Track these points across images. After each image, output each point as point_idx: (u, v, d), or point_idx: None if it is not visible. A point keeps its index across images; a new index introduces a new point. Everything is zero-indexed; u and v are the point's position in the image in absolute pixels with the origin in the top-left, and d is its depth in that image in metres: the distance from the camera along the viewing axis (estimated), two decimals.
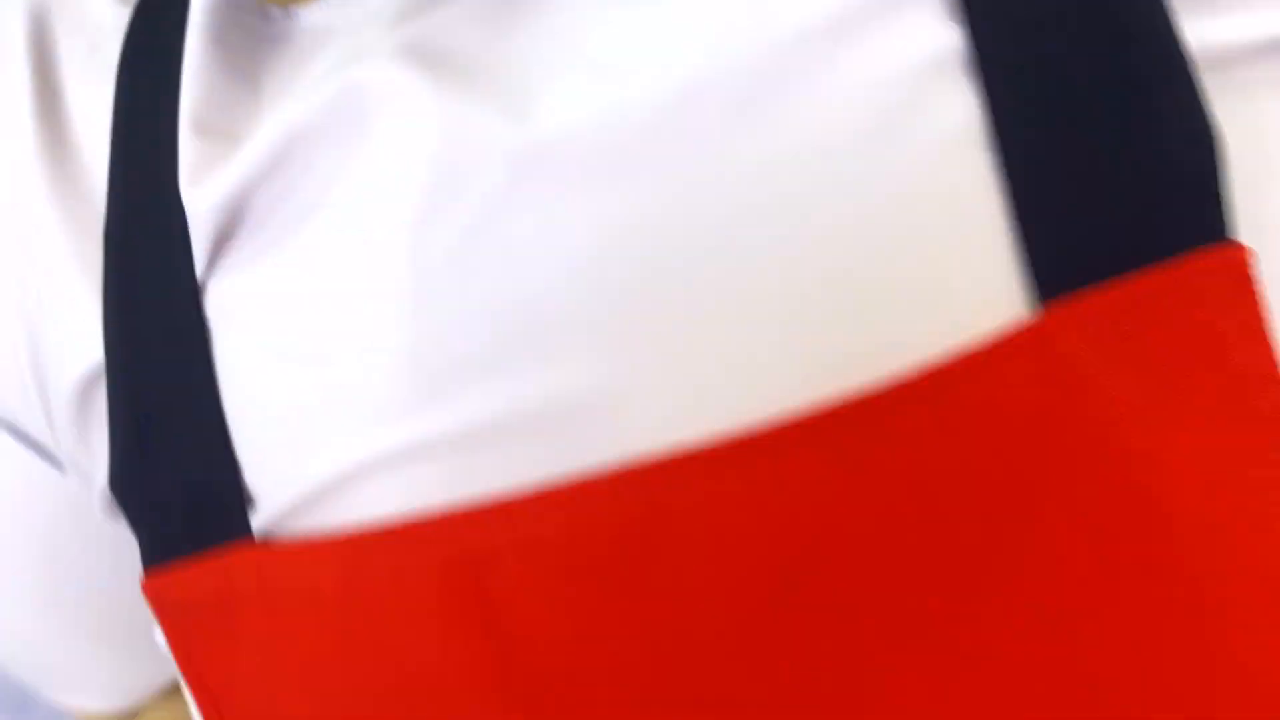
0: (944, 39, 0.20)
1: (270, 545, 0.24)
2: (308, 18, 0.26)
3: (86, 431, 0.27)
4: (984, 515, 0.19)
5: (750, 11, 0.21)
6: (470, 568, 0.22)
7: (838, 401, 0.19)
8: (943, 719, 0.19)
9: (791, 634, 0.20)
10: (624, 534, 0.21)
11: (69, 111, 0.28)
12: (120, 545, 0.29)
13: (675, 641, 0.21)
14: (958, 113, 0.20)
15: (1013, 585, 0.19)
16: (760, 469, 0.20)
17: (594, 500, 0.21)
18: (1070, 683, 0.19)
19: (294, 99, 0.24)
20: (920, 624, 0.19)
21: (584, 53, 0.22)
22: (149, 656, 0.34)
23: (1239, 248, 0.19)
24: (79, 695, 0.39)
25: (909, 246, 0.20)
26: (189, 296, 0.24)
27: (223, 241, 0.25)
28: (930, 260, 0.20)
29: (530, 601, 0.21)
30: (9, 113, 0.28)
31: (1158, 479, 0.19)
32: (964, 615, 0.19)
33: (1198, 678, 0.19)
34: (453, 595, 0.22)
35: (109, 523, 0.29)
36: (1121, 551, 0.19)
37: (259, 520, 0.24)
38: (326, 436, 0.23)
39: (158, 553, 0.26)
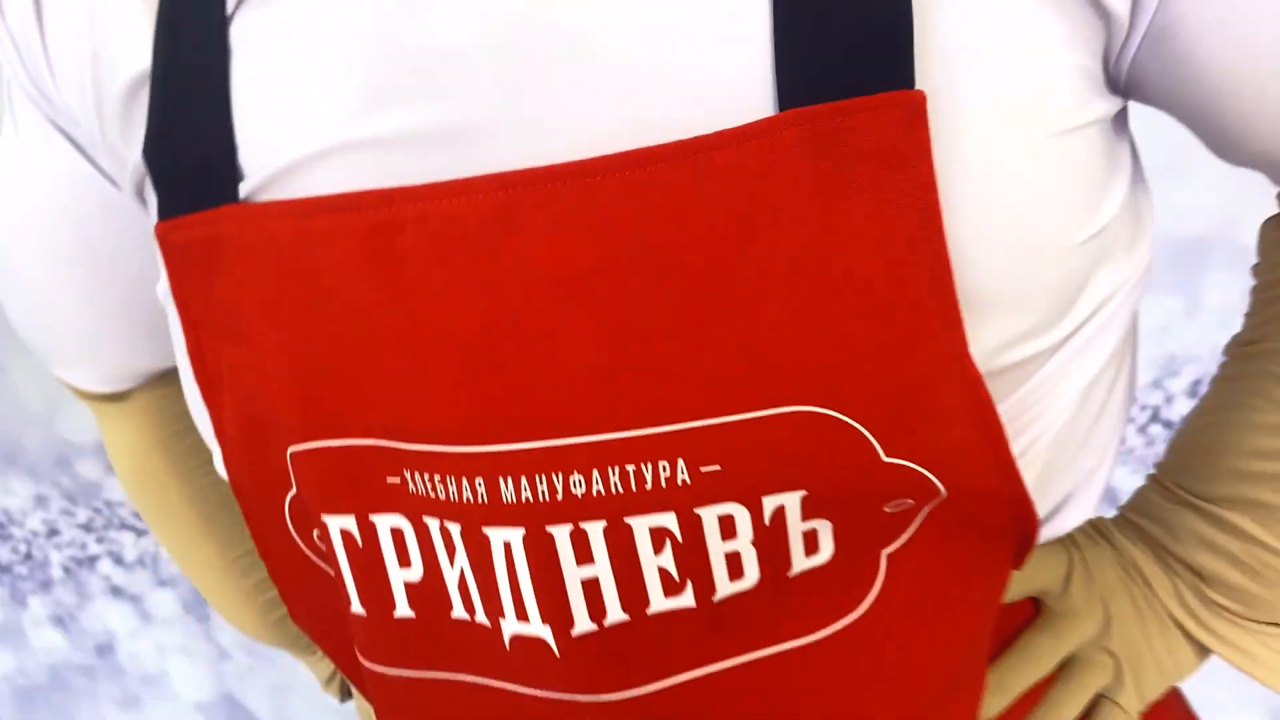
0: None
1: (249, 205, 0.34)
2: None
3: (128, 124, 0.36)
4: (721, 237, 0.29)
5: None
6: (385, 231, 0.31)
7: (635, 150, 0.29)
8: (696, 358, 0.29)
9: (600, 302, 0.29)
10: (491, 216, 0.30)
11: None
12: (141, 247, 0.41)
13: (519, 299, 0.30)
14: None
15: (736, 277, 0.29)
16: (584, 183, 0.29)
17: (473, 192, 0.30)
18: (753, 336, 0.29)
19: None
20: (678, 299, 0.29)
21: None
22: (146, 351, 0.47)
23: (919, 93, 0.28)
24: (79, 372, 0.49)
25: (705, 50, 0.29)
26: (220, 24, 0.34)
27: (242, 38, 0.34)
28: (719, 61, 0.29)
29: (423, 259, 0.31)
30: None
31: (825, 235, 0.28)
32: (706, 294, 0.29)
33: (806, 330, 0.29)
34: (371, 249, 0.31)
35: (135, 216, 0.41)
36: (795, 270, 0.28)
37: (245, 189, 0.34)
38: (297, 129, 0.33)
39: (170, 207, 0.35)
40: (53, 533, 1.28)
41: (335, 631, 0.41)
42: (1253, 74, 0.31)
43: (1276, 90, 0.31)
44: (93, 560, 1.29)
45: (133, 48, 0.35)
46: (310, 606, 0.42)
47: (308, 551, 0.38)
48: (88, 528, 1.27)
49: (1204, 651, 0.40)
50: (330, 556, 0.36)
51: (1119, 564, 0.41)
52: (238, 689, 1.33)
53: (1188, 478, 0.40)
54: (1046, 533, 0.36)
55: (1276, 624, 0.39)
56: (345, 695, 0.60)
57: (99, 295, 0.45)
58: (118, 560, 1.28)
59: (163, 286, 0.38)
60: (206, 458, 0.46)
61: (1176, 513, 0.40)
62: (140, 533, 1.26)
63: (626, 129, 0.29)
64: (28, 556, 1.30)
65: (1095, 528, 0.42)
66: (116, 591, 1.30)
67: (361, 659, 0.38)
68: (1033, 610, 0.41)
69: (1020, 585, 0.39)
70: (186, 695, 1.34)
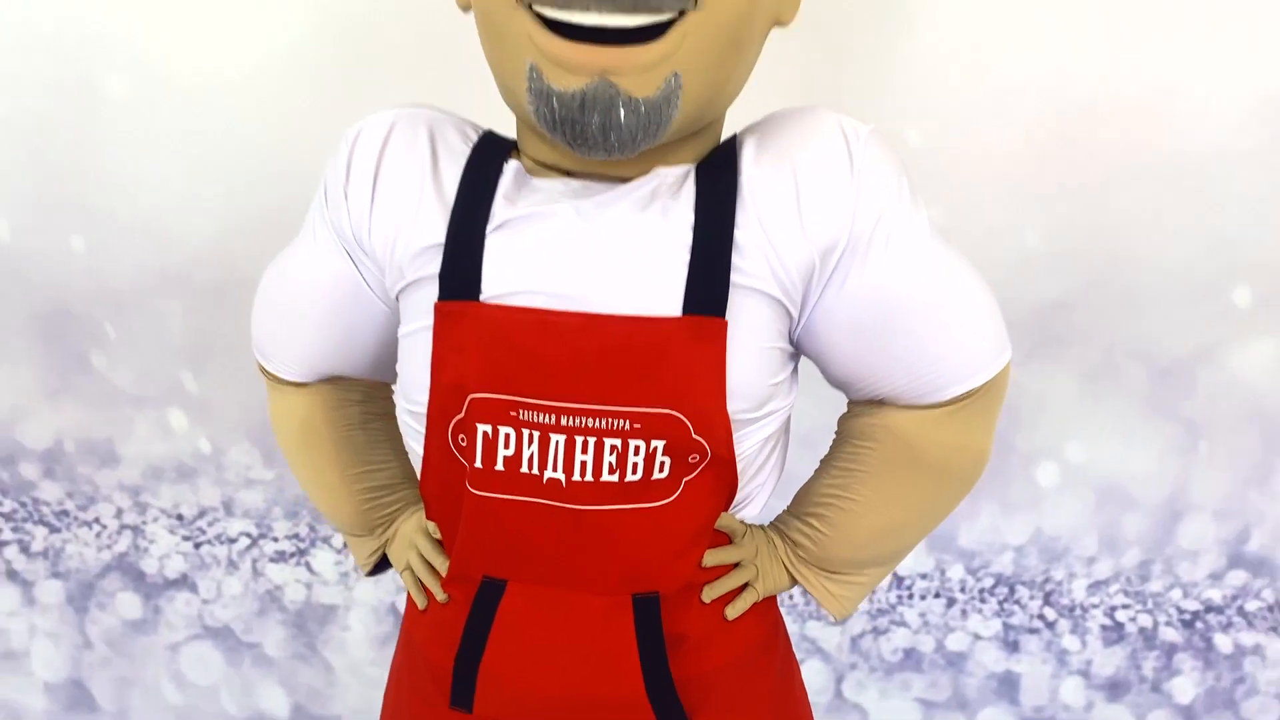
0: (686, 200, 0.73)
1: (484, 303, 0.71)
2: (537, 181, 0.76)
3: (407, 265, 0.75)
4: (653, 345, 0.70)
5: None
6: (537, 319, 0.72)
7: (631, 316, 0.71)
8: (635, 388, 0.72)
9: (603, 363, 0.72)
10: (575, 325, 0.72)
11: (441, 167, 0.75)
12: (360, 315, 0.82)
13: (580, 354, 0.72)
14: (688, 216, 0.72)
15: (658, 362, 0.71)
16: (609, 322, 0.70)
17: (568, 319, 0.73)
18: None
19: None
20: (633, 365, 0.71)
21: None
22: (332, 364, 0.87)
23: (724, 320, 0.70)
24: (289, 369, 0.89)
25: (658, 298, 0.71)
26: (482, 234, 0.71)
27: (497, 222, 0.72)
28: (664, 301, 0.71)
29: (549, 333, 0.72)
30: (418, 159, 0.75)
31: (687, 356, 0.71)
32: (645, 365, 0.71)
33: None
34: (532, 322, 0.71)
35: (366, 301, 0.81)
36: (673, 364, 0.71)
37: (483, 296, 0.71)
38: (508, 280, 0.72)
39: (446, 295, 0.72)
40: None
41: (444, 507, 0.81)
42: (845, 358, 0.77)
43: (856, 367, 0.78)
44: (2, 545, 1.58)
45: (429, 232, 0.74)
46: (439, 481, 0.79)
47: (452, 448, 0.77)
48: (9, 517, 1.57)
49: (794, 581, 0.88)
50: (467, 449, 0.74)
51: (764, 532, 0.89)
52: (87, 676, 1.62)
53: (795, 502, 0.90)
54: (737, 513, 0.85)
55: (830, 572, 0.88)
56: (374, 572, 0.97)
57: (327, 333, 0.85)
58: (24, 549, 1.58)
59: (405, 325, 0.77)
60: (350, 422, 0.90)
61: (787, 518, 0.90)
62: (53, 529, 1.57)
63: (628, 306, 0.70)
64: None
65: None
66: (13, 575, 1.59)
67: (470, 489, 0.75)
68: (728, 540, 0.85)
69: (725, 523, 0.84)
70: (40, 674, 1.61)
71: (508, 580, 0.77)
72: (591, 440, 0.71)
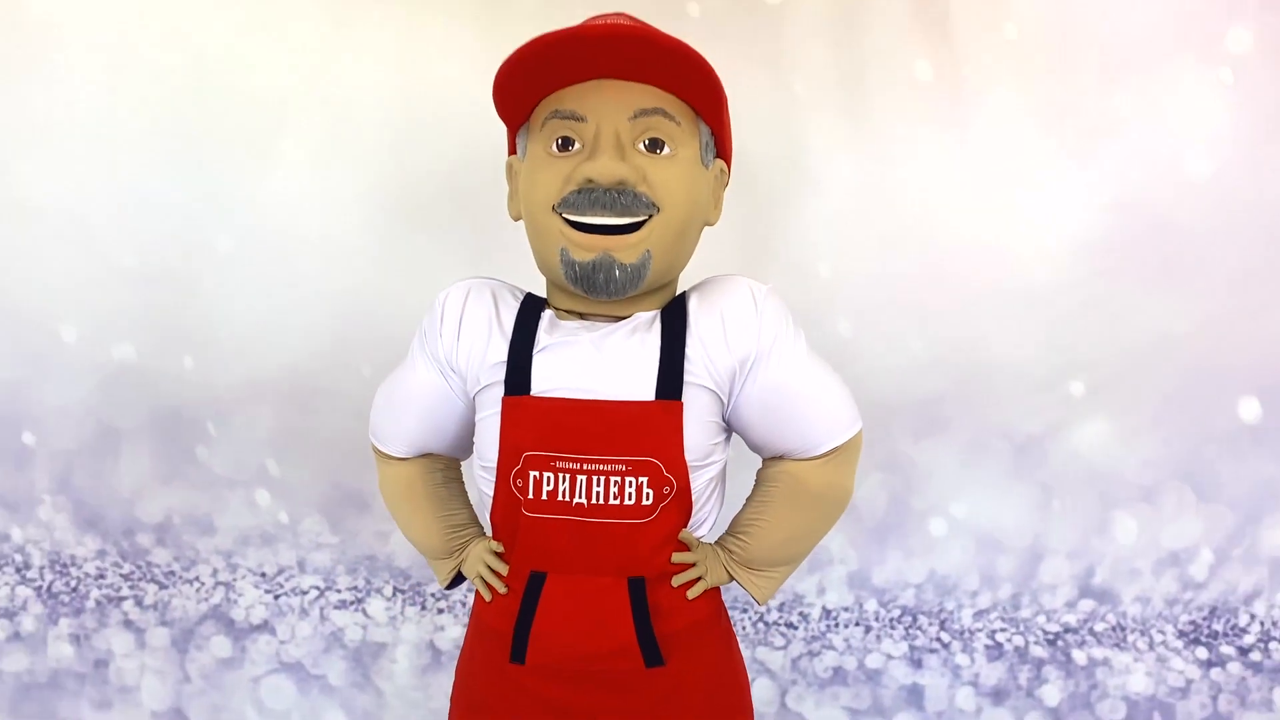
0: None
1: (534, 397, 1.10)
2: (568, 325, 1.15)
3: (480, 375, 1.14)
4: (636, 420, 1.10)
5: None
6: (573, 407, 1.11)
7: (609, 400, 1.09)
8: (626, 445, 1.11)
9: (604, 426, 1.11)
10: (587, 406, 1.12)
11: (501, 315, 1.14)
12: (449, 410, 1.21)
13: (594, 425, 1.11)
14: (657, 340, 1.12)
15: (640, 433, 1.10)
16: (614, 406, 1.10)
17: (584, 404, 1.12)
18: None
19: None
20: (625, 428, 1.10)
21: None
22: (430, 444, 1.26)
23: (680, 403, 1.09)
24: (396, 448, 1.27)
25: (637, 385, 1.10)
26: (530, 351, 1.11)
27: (540, 347, 1.12)
28: (642, 388, 1.10)
29: (576, 410, 1.11)
30: (486, 310, 1.15)
31: (656, 426, 1.10)
32: (632, 429, 1.11)
33: None
34: (571, 410, 1.10)
35: (451, 400, 1.20)
36: (647, 438, 1.11)
37: (534, 391, 1.10)
38: (551, 383, 1.11)
39: (511, 391, 1.11)
40: None
41: (507, 527, 1.13)
42: (757, 429, 1.17)
43: (764, 435, 1.17)
44: (121, 600, 1.99)
45: (496, 354, 1.11)
46: (502, 511, 1.13)
47: (513, 489, 1.10)
48: (127, 577, 1.98)
49: (731, 576, 1.20)
50: (521, 488, 1.09)
51: (711, 545, 1.21)
52: (186, 706, 2.01)
53: (730, 525, 1.25)
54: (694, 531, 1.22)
55: (754, 569, 1.20)
56: (451, 586, 1.32)
57: (425, 424, 1.22)
58: (139, 602, 1.99)
59: (480, 413, 1.15)
60: (437, 482, 1.27)
61: (725, 536, 1.21)
62: (162, 586, 1.99)
63: (622, 395, 1.07)
64: None
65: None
66: (128, 623, 2.00)
67: (525, 513, 1.09)
68: (687, 548, 1.14)
69: (686, 536, 1.20)
70: (148, 704, 2.00)
71: (548, 572, 1.15)
72: (602, 479, 1.09)
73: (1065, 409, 1.93)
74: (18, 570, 1.99)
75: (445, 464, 1.31)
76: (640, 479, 1.09)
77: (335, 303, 1.91)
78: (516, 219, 1.21)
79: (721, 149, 1.19)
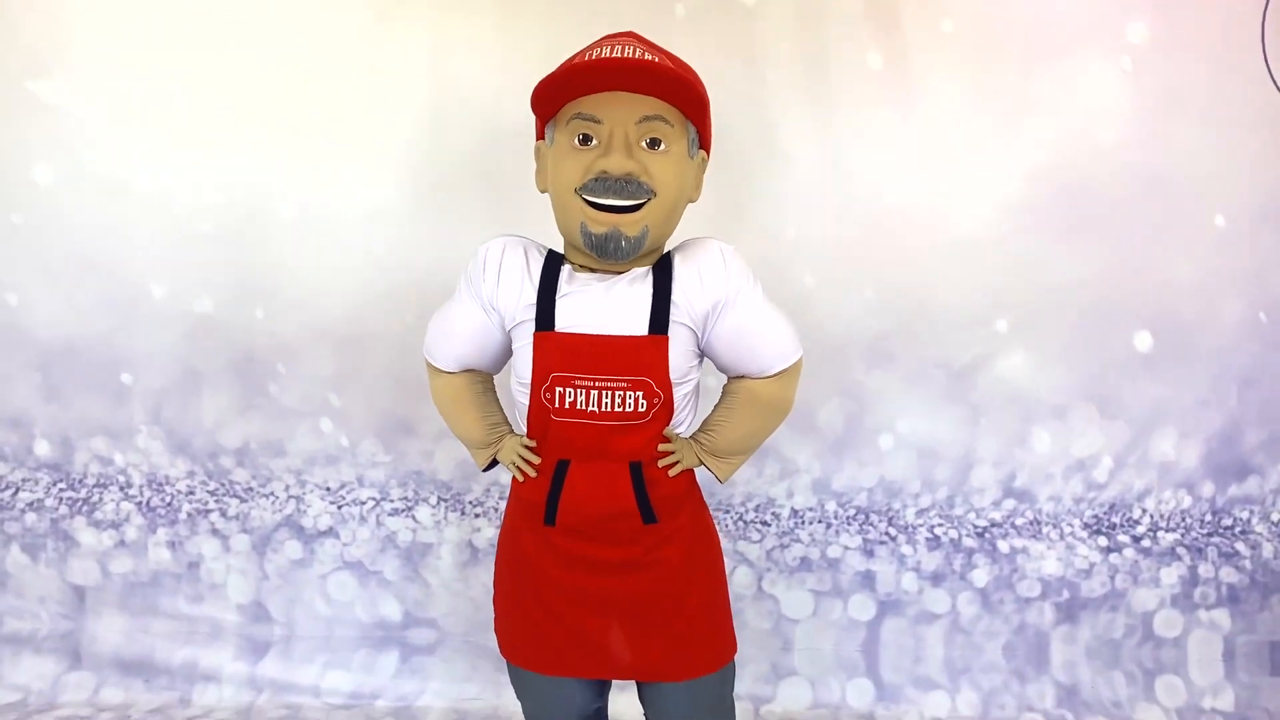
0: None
1: (558, 332, 1.42)
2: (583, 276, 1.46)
3: (514, 313, 1.46)
4: (635, 348, 1.42)
5: None
6: (590, 341, 1.44)
7: (614, 335, 1.42)
8: (626, 367, 1.44)
9: (617, 354, 1.45)
10: (601, 340, 1.45)
11: (530, 266, 1.45)
12: (489, 337, 1.53)
13: (610, 351, 1.45)
14: (649, 290, 1.44)
15: (636, 355, 1.43)
16: (618, 338, 1.42)
17: (592, 338, 1.44)
18: None
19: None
20: (625, 355, 1.43)
21: None
22: (474, 361, 1.58)
23: (666, 337, 1.43)
24: (448, 364, 1.60)
25: (635, 322, 1.43)
26: (554, 300, 1.43)
27: (562, 293, 1.44)
28: (638, 324, 1.42)
29: (602, 344, 1.44)
30: (519, 261, 1.46)
31: (650, 350, 1.44)
32: (631, 356, 1.44)
33: None
34: (594, 345, 1.42)
35: (491, 330, 1.51)
36: (646, 353, 1.44)
37: (557, 327, 1.42)
38: (571, 321, 1.43)
39: (540, 327, 1.43)
40: None
41: (538, 427, 1.46)
42: (724, 356, 1.50)
43: (729, 360, 1.50)
44: (208, 512, 2.38)
45: (526, 297, 1.42)
46: (535, 416, 1.45)
47: (544, 400, 1.43)
48: (213, 493, 2.36)
49: (700, 461, 1.54)
50: (549, 400, 1.42)
51: (687, 439, 1.51)
52: (265, 599, 2.39)
53: (701, 424, 1.56)
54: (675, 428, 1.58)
55: (717, 456, 1.55)
56: (487, 469, 1.64)
57: (473, 345, 1.52)
58: (223, 514, 2.37)
59: (516, 343, 1.47)
60: (478, 390, 1.60)
61: (698, 432, 1.54)
62: (243, 500, 2.37)
63: (624, 330, 1.39)
64: None
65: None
66: (215, 532, 2.38)
67: (554, 419, 1.42)
68: (668, 440, 1.49)
69: (669, 432, 1.50)
70: (233, 599, 2.39)
71: (571, 459, 1.46)
72: (609, 392, 1.40)
73: (991, 343, 2.27)
74: (121, 489, 2.36)
75: (483, 377, 1.64)
76: (637, 393, 1.42)
77: (381, 260, 2.25)
78: (543, 191, 1.52)
79: (704, 141, 1.52)
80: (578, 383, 1.42)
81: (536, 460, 1.52)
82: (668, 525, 1.53)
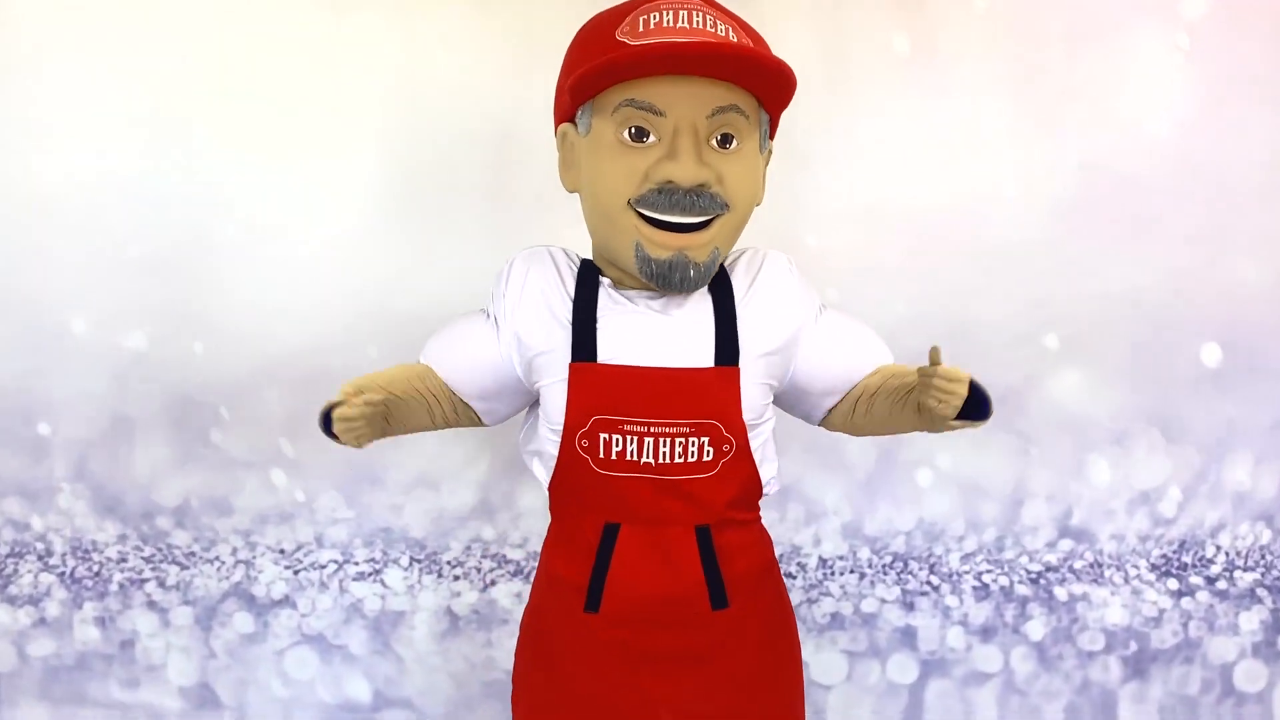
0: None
1: (600, 364, 1.18)
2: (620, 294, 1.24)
3: (538, 351, 1.22)
4: (701, 383, 1.20)
5: None
6: (641, 373, 1.20)
7: (690, 368, 1.19)
8: (693, 409, 1.22)
9: (672, 389, 1.22)
10: (661, 374, 1.22)
11: (564, 280, 1.23)
12: (494, 367, 1.28)
13: (667, 387, 1.21)
14: (710, 311, 1.23)
15: (702, 388, 1.21)
16: (681, 371, 1.19)
17: (652, 371, 1.22)
18: None
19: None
20: (689, 393, 1.21)
21: None
22: (465, 388, 1.30)
23: (738, 369, 1.20)
24: (446, 371, 1.29)
25: (700, 356, 1.20)
26: (594, 323, 1.19)
27: (604, 315, 1.21)
28: (703, 357, 1.20)
29: (648, 378, 1.21)
30: (547, 277, 1.23)
31: (720, 384, 1.20)
32: (697, 392, 1.22)
33: None
34: (638, 378, 1.18)
35: (509, 376, 1.28)
36: (712, 387, 1.21)
37: (600, 359, 1.18)
38: (616, 353, 1.20)
39: (577, 358, 1.19)
40: None
41: (569, 482, 1.22)
42: (827, 377, 1.28)
43: (836, 378, 1.29)
44: (144, 581, 2.05)
45: (559, 320, 1.20)
46: (567, 476, 1.21)
47: (580, 450, 1.19)
48: (149, 560, 2.04)
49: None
50: (589, 449, 1.19)
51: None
52: (213, 680, 2.08)
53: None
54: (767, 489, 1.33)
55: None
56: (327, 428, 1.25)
57: (473, 372, 1.27)
58: (161, 583, 2.05)
59: (544, 380, 1.22)
60: (426, 385, 1.28)
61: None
62: (184, 567, 2.05)
63: (683, 362, 1.17)
64: None
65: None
66: (152, 604, 2.06)
67: (597, 470, 1.18)
68: (757, 497, 1.30)
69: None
70: (175, 681, 2.07)
71: (621, 524, 1.23)
72: (668, 440, 1.18)
73: (1041, 361, 2.03)
74: (40, 558, 2.04)
75: (440, 387, 1.32)
76: (702, 439, 1.19)
77: (340, 286, 1.97)
78: (572, 190, 1.26)
79: (772, 129, 1.28)
80: (627, 427, 1.18)
81: (376, 398, 1.20)
82: (742, 611, 1.25)
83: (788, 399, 1.34)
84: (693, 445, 1.19)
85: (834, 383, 1.29)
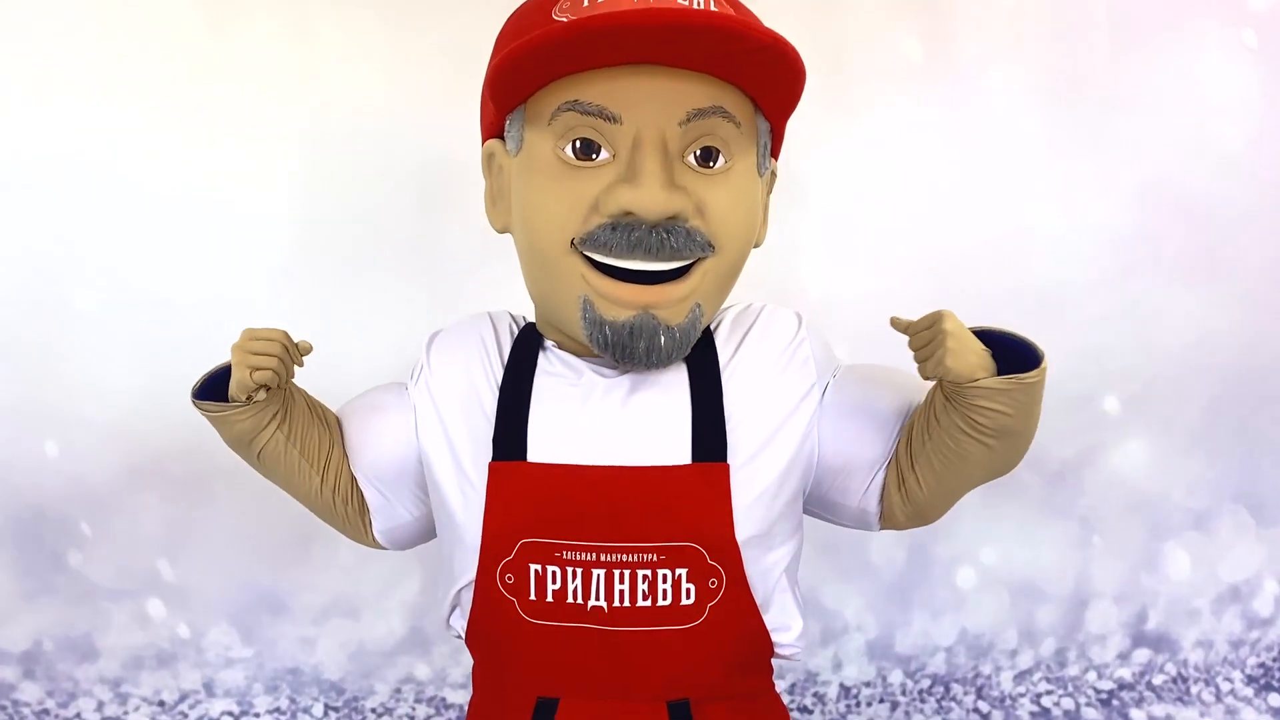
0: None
1: (529, 462, 0.84)
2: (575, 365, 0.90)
3: (453, 445, 0.88)
4: (671, 488, 0.83)
5: None
6: (577, 474, 0.84)
7: (654, 466, 0.83)
8: (660, 526, 0.84)
9: (628, 505, 0.83)
10: (606, 474, 0.84)
11: (486, 341, 0.90)
12: (401, 452, 0.93)
13: (621, 498, 0.84)
14: (685, 388, 0.87)
15: (672, 500, 0.83)
16: (643, 471, 0.83)
17: (595, 472, 0.84)
18: None
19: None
20: (657, 506, 0.83)
21: None
22: (362, 461, 0.95)
23: (726, 465, 0.83)
24: (347, 434, 0.97)
25: (671, 452, 0.84)
26: (527, 408, 0.85)
27: (538, 397, 0.87)
28: (677, 454, 0.83)
29: (595, 479, 0.84)
30: (479, 345, 0.90)
31: (701, 491, 0.84)
32: (665, 506, 0.83)
33: None
34: (578, 478, 0.83)
35: (411, 468, 0.93)
36: (688, 502, 0.83)
37: (530, 456, 0.84)
38: (548, 447, 0.85)
39: (499, 456, 0.85)
40: None
41: (493, 636, 0.90)
42: (857, 435, 0.89)
43: (862, 439, 0.89)
44: None
45: (480, 405, 0.88)
46: (485, 622, 0.90)
47: (503, 587, 0.87)
48: None
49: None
50: (514, 585, 0.87)
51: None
52: None
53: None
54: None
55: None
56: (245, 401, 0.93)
57: (380, 452, 0.95)
58: None
59: (453, 486, 0.89)
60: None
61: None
62: None
63: (647, 459, 0.82)
64: None
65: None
66: None
67: (524, 616, 0.86)
68: (767, 655, 0.93)
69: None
70: None
71: (559, 698, 0.89)
72: (626, 572, 0.85)
73: (1099, 429, 1.74)
74: None
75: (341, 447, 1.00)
76: (678, 570, 0.85)
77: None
78: (502, 230, 0.92)
79: (774, 145, 0.92)
80: (565, 555, 0.86)
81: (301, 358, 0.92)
82: None
83: (829, 498, 0.95)
84: (663, 581, 0.86)
85: (863, 462, 0.93)
